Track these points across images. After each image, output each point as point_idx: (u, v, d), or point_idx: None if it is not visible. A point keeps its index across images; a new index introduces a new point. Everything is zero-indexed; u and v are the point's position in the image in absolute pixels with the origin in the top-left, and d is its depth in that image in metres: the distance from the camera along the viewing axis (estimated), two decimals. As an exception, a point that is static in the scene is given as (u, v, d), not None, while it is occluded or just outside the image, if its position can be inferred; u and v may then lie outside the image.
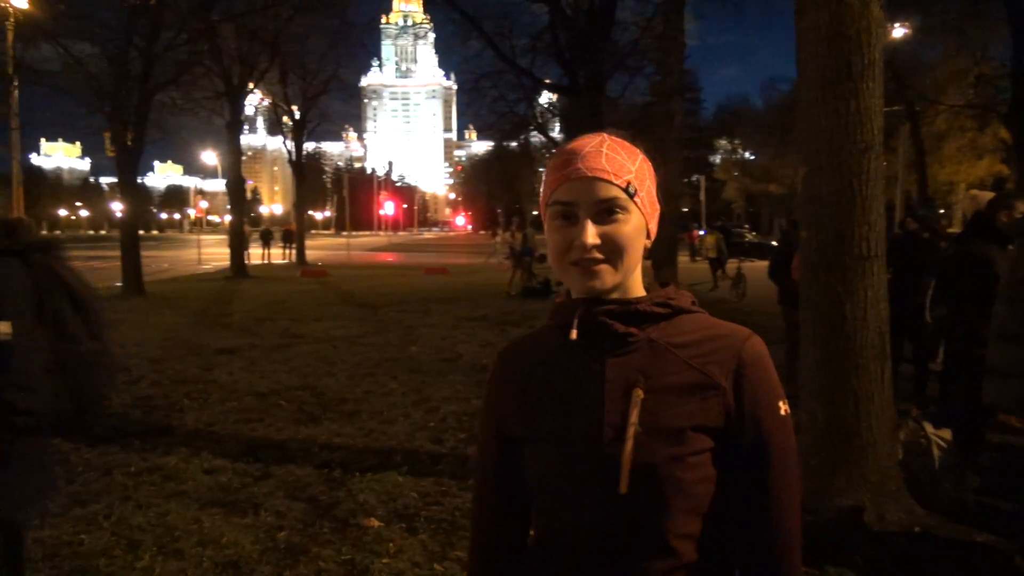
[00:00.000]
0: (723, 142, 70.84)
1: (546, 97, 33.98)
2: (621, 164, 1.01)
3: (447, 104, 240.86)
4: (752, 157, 67.58)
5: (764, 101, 62.41)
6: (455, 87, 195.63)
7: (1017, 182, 23.08)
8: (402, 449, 5.19)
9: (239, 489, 4.37)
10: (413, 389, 7.05)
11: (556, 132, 32.83)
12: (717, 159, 72.69)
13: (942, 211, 43.37)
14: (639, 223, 1.02)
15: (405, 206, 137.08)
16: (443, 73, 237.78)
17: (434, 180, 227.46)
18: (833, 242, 3.71)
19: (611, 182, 1.00)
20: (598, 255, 1.00)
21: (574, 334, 1.05)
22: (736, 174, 68.56)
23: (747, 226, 49.23)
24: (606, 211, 1.00)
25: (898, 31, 23.71)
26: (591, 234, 0.99)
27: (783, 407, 1.03)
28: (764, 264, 7.59)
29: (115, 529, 3.79)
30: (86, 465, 4.77)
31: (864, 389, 3.76)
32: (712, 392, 1.00)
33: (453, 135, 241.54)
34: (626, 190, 1.00)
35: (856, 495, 3.74)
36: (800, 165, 3.98)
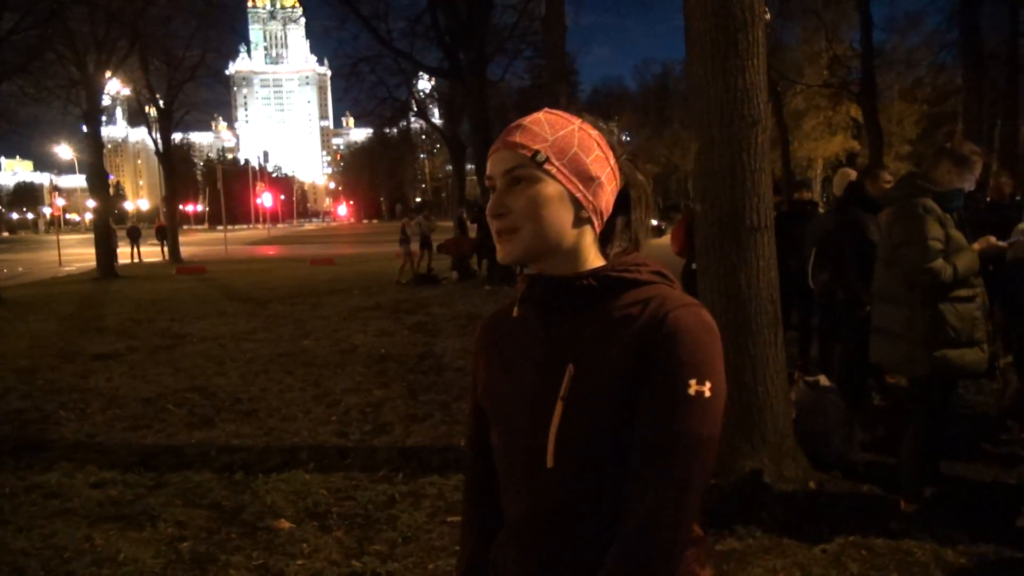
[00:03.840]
0: (601, 124, 72.72)
1: (427, 82, 33.69)
2: (535, 134, 1.02)
3: (322, 91, 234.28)
4: (627, 138, 69.70)
5: (638, 83, 64.42)
6: (329, 73, 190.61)
7: (868, 156, 24.91)
8: (306, 445, 5.03)
9: (132, 501, 4.10)
10: (311, 383, 6.85)
11: (437, 117, 32.63)
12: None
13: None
14: (554, 191, 1.00)
15: (283, 197, 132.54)
16: (316, 59, 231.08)
17: (312, 169, 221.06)
18: (727, 215, 3.85)
19: (515, 151, 1.01)
20: (505, 224, 1.02)
21: (515, 311, 1.11)
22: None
23: None
24: (513, 180, 1.01)
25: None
26: (492, 204, 1.02)
27: (695, 386, 0.93)
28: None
29: (-6, 556, 3.47)
30: (-48, 490, 4.34)
31: (760, 354, 3.94)
32: (635, 366, 0.96)
33: (330, 123, 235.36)
34: (533, 158, 1.00)
35: (757, 456, 3.93)
36: (689, 142, 4.11)
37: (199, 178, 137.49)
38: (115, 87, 28.20)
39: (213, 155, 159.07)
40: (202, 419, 5.78)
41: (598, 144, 1.05)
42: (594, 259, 1.05)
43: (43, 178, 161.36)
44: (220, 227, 59.75)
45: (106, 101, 26.01)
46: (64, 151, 49.17)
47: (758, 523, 3.49)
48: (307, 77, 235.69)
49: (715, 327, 0.98)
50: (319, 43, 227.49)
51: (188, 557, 3.43)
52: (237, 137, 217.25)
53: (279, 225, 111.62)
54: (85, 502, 4.10)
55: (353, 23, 20.34)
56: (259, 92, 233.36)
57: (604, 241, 1.08)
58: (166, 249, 30.25)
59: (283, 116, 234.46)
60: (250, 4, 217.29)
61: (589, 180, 1.02)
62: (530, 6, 19.50)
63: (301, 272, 21.25)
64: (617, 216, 1.08)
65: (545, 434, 0.99)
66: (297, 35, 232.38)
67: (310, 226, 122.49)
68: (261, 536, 3.64)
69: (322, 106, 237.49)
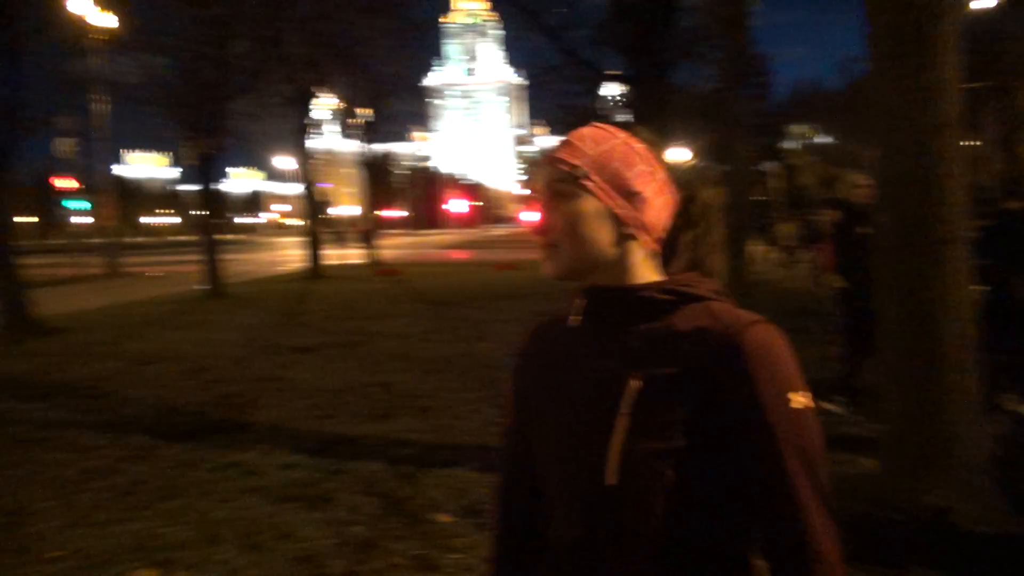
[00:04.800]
0: (797, 127, 68.67)
1: (612, 88, 33.71)
2: (577, 149, 1.02)
3: (516, 100, 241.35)
4: (830, 140, 65.39)
5: (841, 81, 60.20)
6: (522, 82, 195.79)
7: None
8: (473, 445, 5.22)
9: (314, 484, 4.48)
10: (484, 384, 7.09)
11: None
12: (793, 144, 70.53)
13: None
14: (592, 207, 1.00)
15: (474, 203, 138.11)
16: (511, 70, 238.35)
17: (503, 176, 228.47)
18: (912, 226, 3.54)
19: (556, 166, 1.02)
20: (547, 240, 1.03)
21: (573, 319, 1.09)
22: (812, 159, 66.39)
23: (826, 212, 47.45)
24: (553, 195, 1.02)
25: (979, 2, 22.63)
26: (537, 221, 1.04)
27: (796, 399, 0.93)
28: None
29: (198, 523, 3.94)
30: (171, 461, 4.98)
31: (948, 380, 3.57)
32: (708, 384, 0.94)
33: (521, 130, 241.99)
34: (572, 173, 1.00)
35: (943, 493, 3.57)
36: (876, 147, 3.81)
37: (398, 185, 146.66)
38: (327, 103, 30.81)
39: (411, 163, 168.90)
40: (381, 412, 6.18)
41: (643, 158, 1.03)
42: (648, 275, 1.04)
43: (268, 186, 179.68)
44: (416, 231, 63.18)
45: (319, 115, 28.48)
46: (284, 161, 54.30)
47: (937, 567, 3.17)
48: (500, 87, 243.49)
49: (789, 343, 0.97)
50: (512, 54, 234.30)
51: (356, 541, 3.70)
52: (433, 146, 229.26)
53: (470, 230, 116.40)
54: (274, 481, 4.55)
55: (541, 33, 20.80)
56: (454, 103, 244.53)
57: (668, 257, 1.06)
58: (367, 252, 32.57)
59: (476, 125, 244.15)
60: (446, 19, 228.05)
61: (631, 195, 1.01)
62: (717, 7, 18.90)
63: (486, 276, 22.02)
64: (681, 232, 1.06)
65: (604, 450, 0.96)
66: (491, 47, 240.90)
67: (498, 231, 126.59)
68: (422, 527, 3.84)
69: (514, 114, 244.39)
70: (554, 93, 24.61)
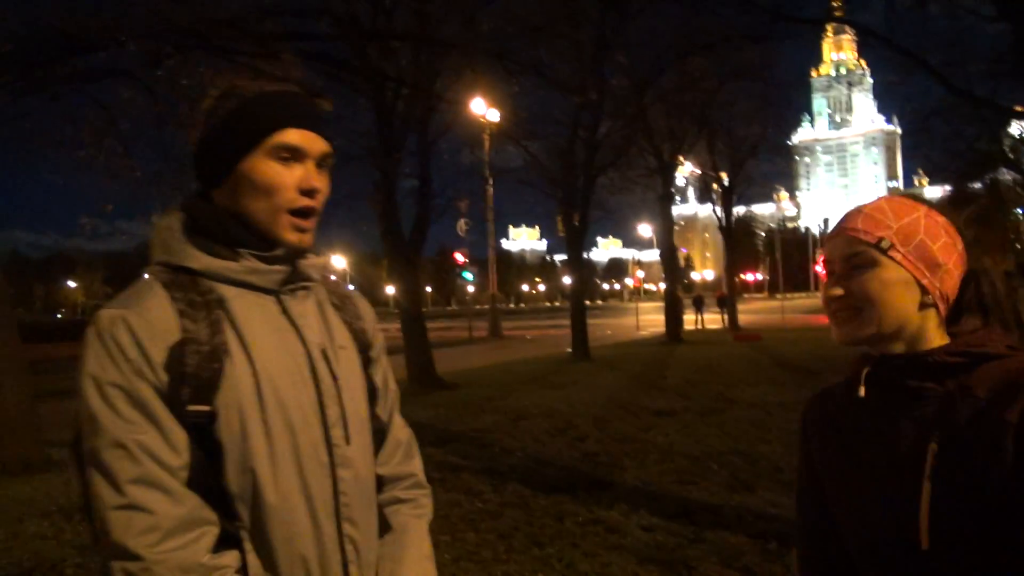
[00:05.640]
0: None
1: (1017, 126, 29.04)
2: (878, 221, 1.06)
3: (889, 150, 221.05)
4: None
5: None
6: (898, 131, 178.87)
7: None
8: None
9: (673, 549, 4.46)
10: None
11: (1033, 166, 27.71)
12: None
13: None
14: (899, 276, 1.04)
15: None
16: (884, 118, 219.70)
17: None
18: None
19: (858, 237, 1.06)
20: (844, 304, 1.06)
21: (862, 391, 1.09)
22: None
23: None
24: (854, 267, 1.06)
25: None
26: (829, 286, 1.08)
27: None
28: None
29: (565, 572, 4.17)
30: (543, 511, 5.36)
31: None
32: (1013, 440, 0.93)
33: (899, 183, 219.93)
34: (877, 244, 1.04)
35: None
36: None
37: (759, 248, 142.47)
38: (686, 169, 31.47)
39: (773, 225, 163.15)
40: (743, 483, 5.95)
41: (946, 231, 1.06)
42: (938, 340, 1.06)
43: (629, 253, 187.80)
44: (778, 295, 60.50)
45: (679, 182, 29.18)
46: (645, 229, 56.32)
47: None
48: (873, 138, 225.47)
49: None
50: (885, 101, 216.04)
51: (717, 614, 3.59)
52: (798, 205, 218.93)
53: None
54: (635, 542, 4.63)
55: (921, 75, 18.89)
56: (821, 158, 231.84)
57: (951, 323, 1.08)
58: (726, 316, 32.04)
59: (846, 180, 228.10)
60: (812, 74, 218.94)
61: (936, 267, 1.05)
62: None
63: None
64: (964, 297, 1.08)
65: (914, 514, 0.98)
66: (861, 97, 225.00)
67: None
68: (788, 611, 3.59)
69: (889, 166, 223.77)
70: (941, 139, 22.08)
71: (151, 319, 1.10)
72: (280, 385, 1.15)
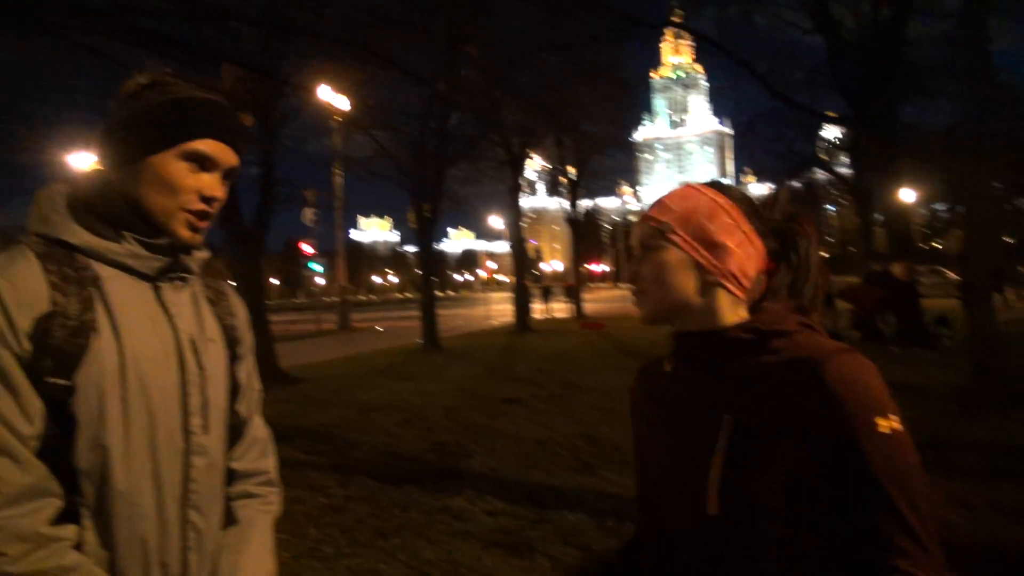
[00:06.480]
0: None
1: (831, 131, 31.97)
2: (666, 207, 1.14)
3: (721, 150, 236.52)
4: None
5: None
6: (729, 132, 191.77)
7: None
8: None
9: (518, 532, 4.56)
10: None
11: (845, 167, 30.61)
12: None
13: None
14: (675, 258, 1.10)
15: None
16: (717, 120, 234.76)
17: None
18: None
19: (648, 224, 1.14)
20: (636, 288, 1.15)
21: (667, 366, 1.19)
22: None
23: None
24: (644, 249, 1.14)
25: None
26: (628, 271, 1.18)
27: (883, 423, 0.94)
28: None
29: (409, 562, 4.14)
30: (389, 502, 5.30)
31: None
32: (797, 417, 0.97)
33: (729, 180, 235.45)
34: (659, 229, 1.11)
35: None
36: None
37: (604, 240, 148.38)
38: (536, 163, 32.15)
39: (618, 218, 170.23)
40: (585, 464, 6.18)
41: (726, 211, 1.11)
42: (734, 317, 1.11)
43: (481, 245, 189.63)
44: (621, 285, 63.24)
45: (529, 175, 29.79)
46: (496, 221, 57.06)
47: None
48: (707, 138, 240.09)
49: (876, 369, 0.99)
50: (719, 104, 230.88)
51: (557, 591, 3.70)
52: (640, 200, 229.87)
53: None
54: (481, 527, 4.68)
55: (749, 81, 20.32)
56: (661, 156, 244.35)
57: (764, 300, 1.14)
58: (573, 306, 33.10)
59: (683, 176, 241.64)
60: (653, 75, 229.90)
61: (714, 246, 1.10)
62: (951, 35, 17.38)
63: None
64: (774, 277, 1.14)
65: (706, 482, 1.02)
66: (697, 98, 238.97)
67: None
68: (624, 584, 3.75)
69: (721, 164, 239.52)
70: (765, 140, 23.88)
71: (20, 287, 1.10)
72: (145, 369, 1.17)
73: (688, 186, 1.17)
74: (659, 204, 1.15)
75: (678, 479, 1.11)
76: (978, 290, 8.63)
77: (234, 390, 1.37)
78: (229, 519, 1.34)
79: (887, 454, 0.93)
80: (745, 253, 1.11)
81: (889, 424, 0.94)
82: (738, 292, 1.11)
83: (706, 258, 1.10)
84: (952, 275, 30.89)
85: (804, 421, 0.96)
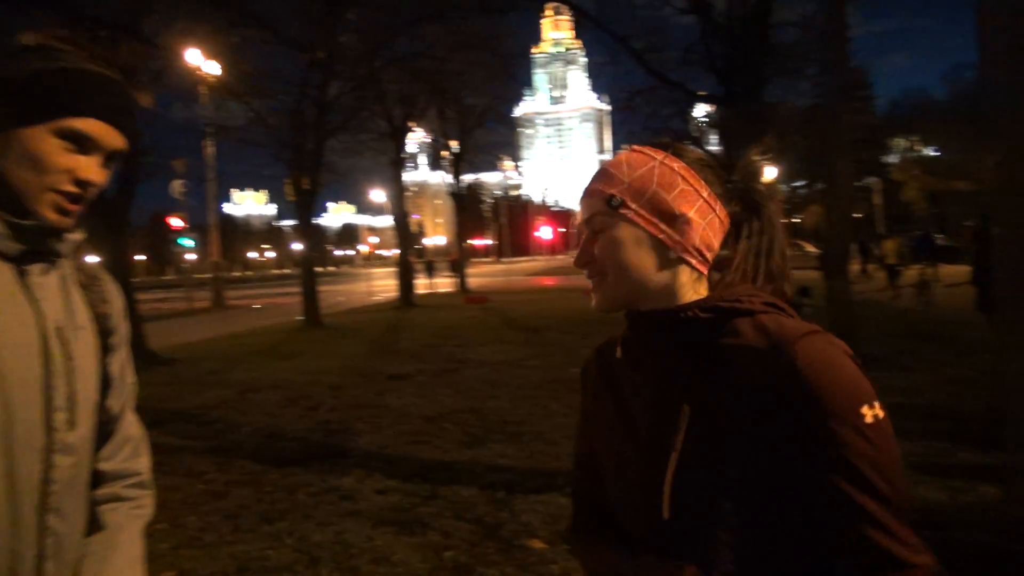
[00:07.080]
0: (900, 140, 65.61)
1: (702, 109, 33.32)
2: (613, 177, 0.99)
3: (600, 126, 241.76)
4: (936, 153, 62.04)
5: (949, 90, 57.21)
6: (608, 108, 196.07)
7: None
8: (566, 470, 5.14)
9: (409, 509, 4.52)
10: (576, 410, 6.99)
11: (715, 145, 32.02)
12: (895, 158, 67.41)
13: None
14: (631, 235, 0.97)
15: (562, 230, 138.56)
16: (595, 96, 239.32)
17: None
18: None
19: (594, 198, 0.99)
20: (592, 272, 1.00)
21: (619, 352, 1.06)
22: (916, 173, 63.21)
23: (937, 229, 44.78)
24: (592, 230, 0.99)
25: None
26: (578, 254, 1.01)
27: (867, 411, 0.86)
28: (956, 269, 6.89)
29: (298, 546, 4.02)
30: (274, 485, 5.12)
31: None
32: (763, 406, 0.88)
33: (608, 156, 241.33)
34: (608, 203, 0.97)
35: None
36: (992, 154, 3.58)
37: (487, 214, 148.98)
38: (418, 136, 31.70)
39: (500, 193, 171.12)
40: (474, 438, 6.19)
41: (684, 177, 0.98)
42: (693, 295, 0.99)
43: (362, 219, 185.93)
44: (504, 259, 63.79)
45: (411, 148, 29.36)
46: (378, 195, 56.09)
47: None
48: (586, 114, 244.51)
49: (848, 350, 0.90)
50: (598, 80, 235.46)
51: (450, 565, 3.69)
52: (521, 175, 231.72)
53: (558, 256, 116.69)
54: (371, 506, 4.61)
55: (627, 58, 20.76)
56: (542, 131, 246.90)
57: (724, 275, 1.02)
58: (457, 280, 33.10)
59: (563, 152, 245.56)
60: (534, 51, 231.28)
61: (673, 218, 0.96)
62: (812, 20, 18.39)
63: (576, 302, 21.93)
64: (736, 247, 1.01)
65: (660, 483, 0.93)
66: (577, 74, 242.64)
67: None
68: (516, 553, 3.80)
69: (600, 140, 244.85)
70: (642, 117, 24.52)
71: None
72: (5, 357, 1.04)
73: (635, 150, 1.01)
74: (604, 174, 1.00)
75: (630, 477, 1.00)
76: (835, 262, 9.26)
77: (105, 383, 1.24)
78: (95, 525, 1.22)
79: (871, 444, 0.86)
80: (707, 222, 0.98)
81: (874, 412, 0.87)
82: (701, 267, 0.99)
83: (666, 233, 0.96)
84: (811, 248, 33.06)
85: (771, 411, 0.87)
